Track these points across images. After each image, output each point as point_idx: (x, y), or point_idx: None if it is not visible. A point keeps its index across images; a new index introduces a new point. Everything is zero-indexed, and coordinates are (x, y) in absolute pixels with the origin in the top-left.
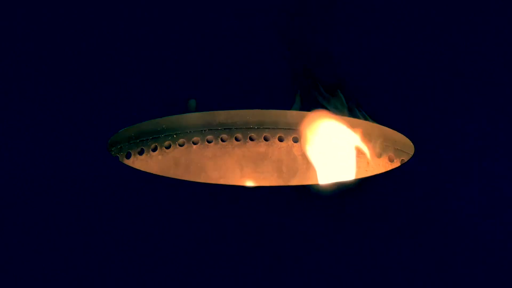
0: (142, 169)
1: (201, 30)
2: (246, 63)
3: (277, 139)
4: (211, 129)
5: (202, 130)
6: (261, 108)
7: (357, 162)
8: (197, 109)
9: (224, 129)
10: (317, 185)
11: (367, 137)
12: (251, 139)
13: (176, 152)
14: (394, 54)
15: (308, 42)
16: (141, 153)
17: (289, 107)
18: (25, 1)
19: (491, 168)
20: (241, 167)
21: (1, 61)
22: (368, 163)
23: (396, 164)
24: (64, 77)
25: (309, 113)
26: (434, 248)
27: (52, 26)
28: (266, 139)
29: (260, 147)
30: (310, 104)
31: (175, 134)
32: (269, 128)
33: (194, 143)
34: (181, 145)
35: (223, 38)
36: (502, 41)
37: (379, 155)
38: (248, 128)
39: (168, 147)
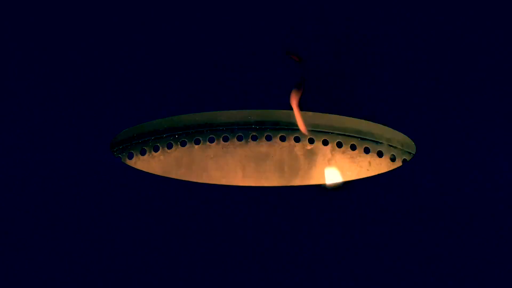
0: (144, 169)
1: (203, 30)
2: (247, 63)
3: (278, 139)
4: (213, 129)
5: (204, 130)
6: (263, 108)
7: (359, 161)
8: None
9: (225, 129)
10: (320, 184)
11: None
12: (253, 139)
13: (178, 152)
14: (395, 52)
15: (309, 41)
16: (143, 153)
17: (290, 107)
18: (28, 1)
19: (493, 168)
20: (243, 167)
21: (3, 60)
22: (370, 162)
23: (398, 164)
24: (66, 77)
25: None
26: (436, 247)
27: (55, 24)
28: (268, 139)
29: (262, 147)
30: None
31: (177, 134)
32: (270, 128)
33: (196, 143)
34: (183, 145)
35: (225, 37)
36: (504, 39)
37: (381, 155)
38: (249, 128)
39: (170, 147)
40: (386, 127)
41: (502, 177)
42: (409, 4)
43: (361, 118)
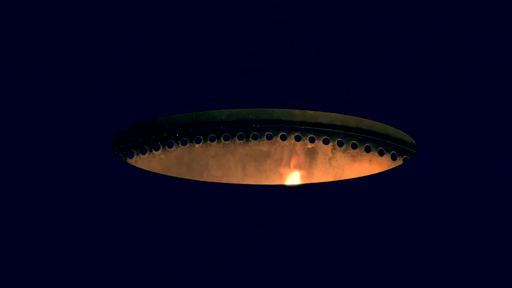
0: (145, 168)
1: (203, 30)
2: (247, 61)
3: (279, 138)
4: (214, 128)
5: (204, 129)
6: (263, 107)
7: (360, 160)
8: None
9: (226, 127)
10: (320, 183)
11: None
12: (254, 137)
13: (178, 151)
14: (396, 50)
15: (309, 39)
16: (143, 152)
17: (291, 105)
18: (28, 1)
19: (493, 166)
20: (243, 165)
21: (3, 60)
22: (370, 161)
23: (399, 162)
24: (66, 77)
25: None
26: (437, 247)
27: (55, 24)
28: (268, 138)
29: (263, 145)
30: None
31: (178, 133)
32: (271, 126)
33: (197, 142)
34: (183, 144)
35: (225, 37)
36: (504, 39)
37: (382, 154)
38: (250, 126)
39: (170, 146)
40: (387, 126)
41: (502, 176)
42: (409, 4)
43: (362, 117)
